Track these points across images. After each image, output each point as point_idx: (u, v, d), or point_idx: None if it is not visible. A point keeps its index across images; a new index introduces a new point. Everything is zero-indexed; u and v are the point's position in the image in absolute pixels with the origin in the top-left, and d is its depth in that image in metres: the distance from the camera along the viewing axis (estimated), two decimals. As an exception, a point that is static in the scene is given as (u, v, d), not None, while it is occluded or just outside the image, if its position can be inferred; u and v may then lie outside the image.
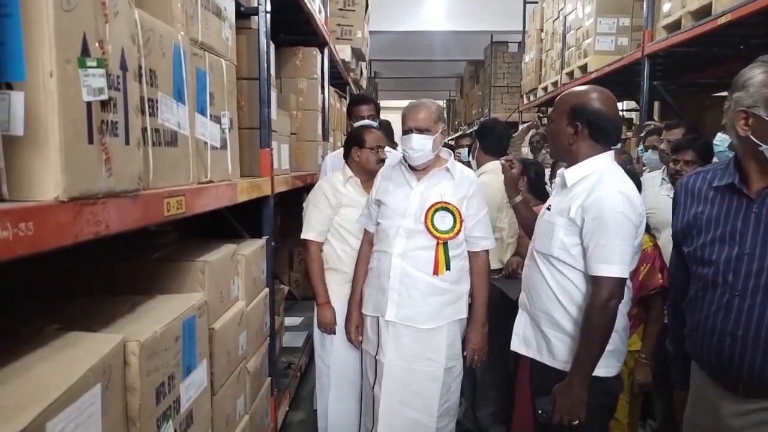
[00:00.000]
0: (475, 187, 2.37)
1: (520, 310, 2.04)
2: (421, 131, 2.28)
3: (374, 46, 8.33)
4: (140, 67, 1.19)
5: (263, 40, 2.41)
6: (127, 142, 1.08)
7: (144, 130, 1.21)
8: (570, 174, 1.88)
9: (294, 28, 3.80)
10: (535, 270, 1.93)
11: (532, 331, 1.97)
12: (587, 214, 1.76)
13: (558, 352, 1.90)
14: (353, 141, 2.76)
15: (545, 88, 7.62)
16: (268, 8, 2.44)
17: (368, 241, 2.51)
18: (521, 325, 2.01)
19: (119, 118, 1.05)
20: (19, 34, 0.86)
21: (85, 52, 0.94)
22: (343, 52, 5.44)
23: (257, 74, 2.44)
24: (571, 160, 1.89)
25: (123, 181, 1.07)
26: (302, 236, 2.70)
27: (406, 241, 2.31)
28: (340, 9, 5.59)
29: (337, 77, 5.50)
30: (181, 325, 1.33)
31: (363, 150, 2.69)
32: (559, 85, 6.85)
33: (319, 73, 3.99)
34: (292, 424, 3.24)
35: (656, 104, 6.65)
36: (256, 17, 2.42)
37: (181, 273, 1.67)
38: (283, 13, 3.09)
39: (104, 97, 0.98)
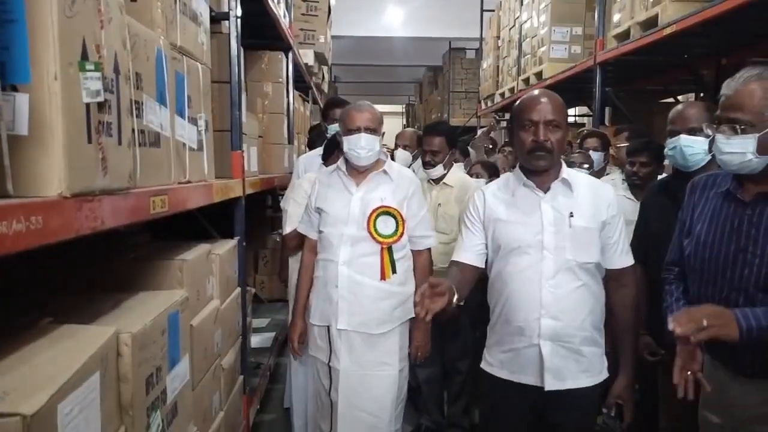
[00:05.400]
0: (414, 186, 2.38)
1: (536, 345, 1.81)
2: (369, 131, 2.29)
3: (335, 50, 8.40)
4: (128, 71, 1.24)
5: (234, 44, 2.46)
6: (119, 142, 1.13)
7: (132, 131, 1.26)
8: (572, 177, 1.87)
9: (259, 32, 3.85)
10: (573, 287, 1.80)
11: (563, 360, 1.81)
12: (611, 210, 1.84)
13: (594, 367, 1.86)
14: (335, 145, 2.80)
15: (502, 94, 7.84)
16: (239, 13, 2.49)
17: (310, 248, 2.47)
18: (548, 359, 1.80)
19: (113, 119, 1.10)
20: (24, 38, 0.91)
21: (85, 56, 0.99)
22: (307, 57, 5.50)
23: (228, 78, 2.49)
24: (558, 163, 1.86)
25: (116, 180, 1.12)
26: (284, 232, 2.73)
27: (350, 248, 2.29)
28: (303, 14, 5.65)
29: (300, 81, 5.56)
30: (167, 319, 1.38)
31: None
32: (515, 91, 7.07)
33: (285, 76, 4.05)
34: (262, 423, 3.28)
35: (608, 109, 6.95)
36: (227, 22, 2.47)
37: (159, 272, 1.71)
38: (250, 17, 3.13)
39: (101, 98, 1.03)
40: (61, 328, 1.10)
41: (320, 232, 2.39)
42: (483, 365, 1.98)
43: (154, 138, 1.42)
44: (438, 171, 2.98)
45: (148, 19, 1.50)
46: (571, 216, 1.79)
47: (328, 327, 2.34)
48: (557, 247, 1.78)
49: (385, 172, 2.35)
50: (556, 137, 1.77)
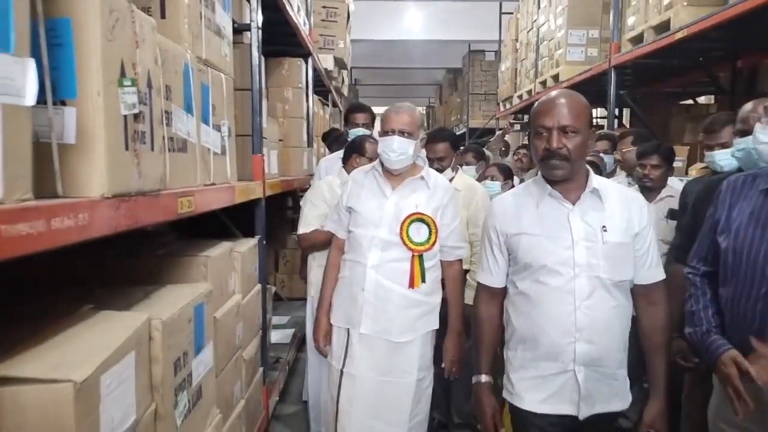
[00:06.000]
0: (449, 196, 2.34)
1: (570, 371, 1.68)
2: (403, 134, 2.22)
3: (355, 53, 8.55)
4: (159, 84, 1.37)
5: (255, 54, 2.61)
6: (152, 149, 1.27)
7: (162, 138, 1.40)
8: (601, 186, 1.72)
9: (280, 40, 3.99)
10: (607, 307, 1.67)
11: (596, 384, 1.69)
12: (643, 220, 1.72)
13: (623, 389, 1.76)
14: (355, 148, 2.91)
15: (520, 96, 7.91)
16: (260, 24, 2.64)
17: (338, 247, 2.43)
18: (583, 385, 1.67)
19: (147, 128, 1.24)
20: (71, 60, 1.05)
21: (123, 73, 1.13)
22: (326, 62, 5.64)
23: (249, 85, 2.63)
24: (582, 171, 1.71)
25: (149, 182, 1.26)
26: (298, 232, 2.86)
27: (380, 252, 2.24)
28: (323, 20, 5.80)
29: (320, 85, 5.70)
30: (193, 309, 1.51)
31: (362, 158, 2.81)
32: (533, 94, 7.13)
33: (304, 82, 4.19)
34: (281, 417, 3.41)
35: (627, 112, 6.97)
36: (249, 33, 2.62)
37: (184, 267, 1.84)
38: (271, 26, 3.28)
39: (136, 110, 1.17)
40: (100, 314, 1.23)
41: (350, 232, 2.34)
42: (505, 395, 1.81)
43: (181, 144, 1.55)
44: (446, 175, 3.01)
45: (176, 35, 1.64)
46: (604, 230, 1.66)
47: (348, 330, 2.30)
48: (590, 265, 1.64)
49: (422, 178, 2.30)
50: (573, 143, 1.61)
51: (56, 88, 1.04)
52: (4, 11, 0.80)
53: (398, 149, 2.22)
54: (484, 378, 1.83)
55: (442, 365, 2.36)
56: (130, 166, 1.16)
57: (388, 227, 2.24)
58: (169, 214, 1.41)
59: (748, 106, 2.08)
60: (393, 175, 2.31)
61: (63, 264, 1.65)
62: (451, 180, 3.06)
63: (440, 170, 3.02)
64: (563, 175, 1.65)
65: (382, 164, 2.32)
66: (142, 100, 1.21)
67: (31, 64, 0.86)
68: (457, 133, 10.66)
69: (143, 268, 1.83)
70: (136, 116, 1.18)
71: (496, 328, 1.87)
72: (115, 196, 1.09)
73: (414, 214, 2.22)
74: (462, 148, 4.00)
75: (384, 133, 2.26)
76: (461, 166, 3.63)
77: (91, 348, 1.03)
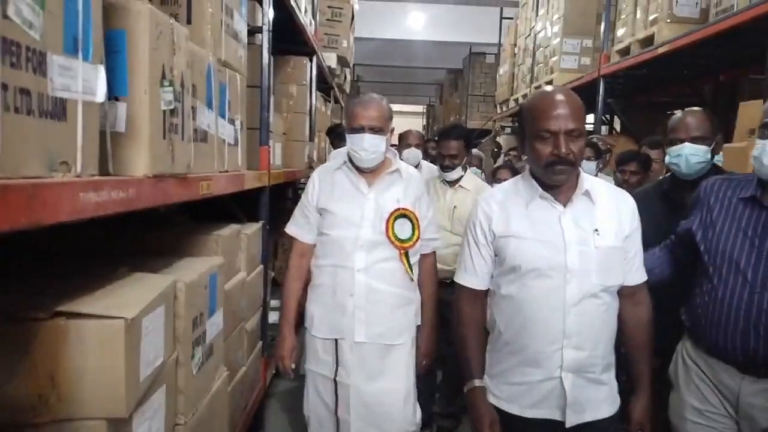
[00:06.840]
0: (423, 187, 2.29)
1: (556, 378, 1.62)
2: (374, 131, 2.12)
3: (359, 51, 8.79)
4: (189, 84, 1.61)
5: (265, 54, 2.85)
6: (182, 138, 1.51)
7: (189, 130, 1.63)
8: (593, 187, 1.66)
9: (287, 38, 4.22)
10: (597, 312, 1.62)
11: (584, 391, 1.64)
12: (634, 222, 1.69)
13: (613, 394, 1.72)
14: None
15: (516, 100, 8.16)
16: (270, 27, 2.87)
17: (300, 253, 2.29)
18: (570, 392, 1.61)
19: (179, 121, 1.48)
20: (124, 64, 1.28)
21: (163, 76, 1.37)
22: (330, 60, 5.87)
23: (258, 83, 2.87)
24: (577, 172, 1.64)
25: (179, 167, 1.50)
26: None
27: (366, 254, 2.14)
28: (328, 19, 6.03)
29: (323, 82, 5.93)
30: (208, 277, 1.76)
31: None
32: (528, 98, 7.38)
33: (308, 79, 4.42)
34: (276, 391, 3.66)
35: (618, 120, 7.23)
36: (260, 35, 2.85)
37: (200, 243, 2.09)
38: (278, 25, 3.51)
39: (172, 106, 1.41)
40: (135, 275, 1.47)
41: (324, 234, 2.22)
42: (489, 397, 1.75)
43: (203, 135, 1.79)
44: (457, 173, 3.05)
45: (200, 40, 1.87)
46: (597, 233, 1.60)
47: (336, 340, 2.21)
48: (582, 270, 1.58)
49: (396, 170, 2.22)
50: (578, 147, 1.54)
51: (111, 86, 1.27)
52: (86, 29, 1.04)
53: (369, 148, 2.12)
54: (477, 383, 1.73)
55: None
56: (166, 152, 1.40)
57: (371, 227, 2.15)
58: (193, 194, 1.65)
59: (677, 115, 2.18)
60: (366, 171, 2.21)
61: (95, 237, 1.90)
62: (459, 179, 3.09)
63: (451, 168, 3.02)
64: (566, 180, 1.59)
65: (351, 161, 2.21)
66: (177, 98, 1.45)
67: (102, 69, 1.10)
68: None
69: (163, 242, 2.07)
70: (172, 111, 1.42)
71: (482, 330, 1.79)
72: (154, 176, 1.33)
73: (397, 210, 2.16)
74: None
75: (352, 130, 2.15)
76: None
77: (131, 298, 1.27)
